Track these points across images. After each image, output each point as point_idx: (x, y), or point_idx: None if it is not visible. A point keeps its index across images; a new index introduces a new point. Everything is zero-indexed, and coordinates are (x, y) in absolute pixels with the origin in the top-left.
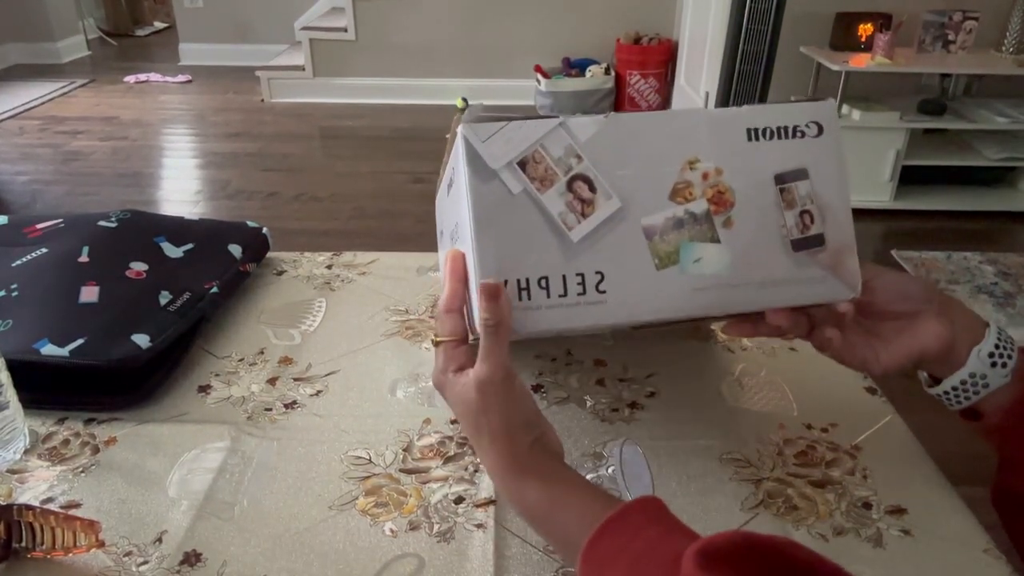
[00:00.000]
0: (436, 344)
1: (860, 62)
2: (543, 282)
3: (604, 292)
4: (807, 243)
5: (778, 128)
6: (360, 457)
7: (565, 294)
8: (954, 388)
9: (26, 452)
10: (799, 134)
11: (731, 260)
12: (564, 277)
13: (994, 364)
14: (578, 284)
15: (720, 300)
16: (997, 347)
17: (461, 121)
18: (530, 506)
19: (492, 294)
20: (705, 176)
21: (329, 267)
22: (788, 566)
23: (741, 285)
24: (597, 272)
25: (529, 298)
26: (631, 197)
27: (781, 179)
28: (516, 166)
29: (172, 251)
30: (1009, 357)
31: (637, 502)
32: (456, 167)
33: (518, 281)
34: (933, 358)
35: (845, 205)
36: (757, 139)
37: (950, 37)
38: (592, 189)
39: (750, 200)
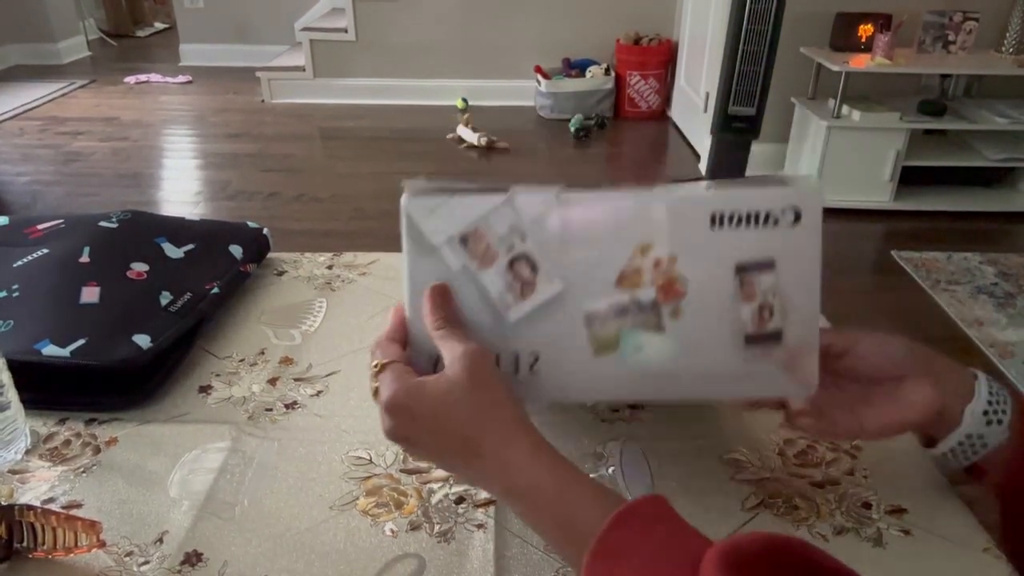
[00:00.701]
0: (381, 369)
1: (860, 62)
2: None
3: (537, 373)
4: (762, 339)
5: (748, 214)
6: (361, 457)
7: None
8: (952, 451)
9: (27, 452)
10: (772, 222)
11: (675, 352)
12: (498, 356)
13: (989, 422)
14: (511, 363)
15: (661, 389)
16: (990, 403)
17: (405, 191)
18: (536, 485)
19: (438, 301)
20: (657, 264)
21: (330, 267)
22: (811, 571)
23: (685, 376)
24: (532, 353)
25: None
26: (575, 281)
27: (743, 269)
28: (457, 242)
29: (173, 252)
30: (1004, 412)
31: (645, 499)
32: (402, 236)
33: None
34: (923, 424)
35: (813, 300)
36: (721, 225)
37: (950, 37)
38: (534, 270)
39: (704, 290)
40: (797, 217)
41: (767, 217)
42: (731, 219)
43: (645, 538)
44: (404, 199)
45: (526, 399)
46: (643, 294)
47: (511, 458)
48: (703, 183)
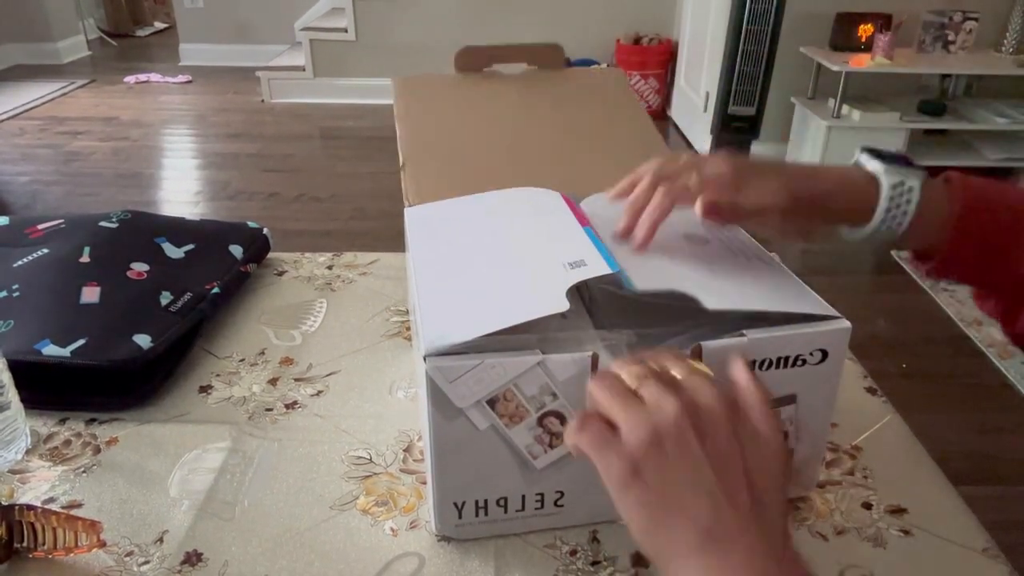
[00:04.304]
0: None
1: (860, 62)
2: (501, 501)
3: (562, 506)
4: None
5: (778, 359)
6: (361, 457)
7: (523, 508)
8: (885, 211)
9: (27, 452)
10: (800, 363)
11: None
12: (523, 497)
13: (899, 182)
14: (537, 501)
15: None
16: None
17: (423, 351)
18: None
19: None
20: None
21: (330, 268)
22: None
23: None
24: (557, 491)
25: (486, 514)
26: None
27: None
28: (485, 404)
29: (173, 252)
30: (907, 163)
31: None
32: (419, 385)
33: (476, 501)
34: (790, 207)
35: (826, 422)
36: (752, 371)
37: (950, 37)
38: (563, 423)
39: None
40: (824, 357)
41: (796, 359)
42: (761, 364)
43: None
44: (427, 362)
45: (550, 528)
46: None
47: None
48: (740, 331)
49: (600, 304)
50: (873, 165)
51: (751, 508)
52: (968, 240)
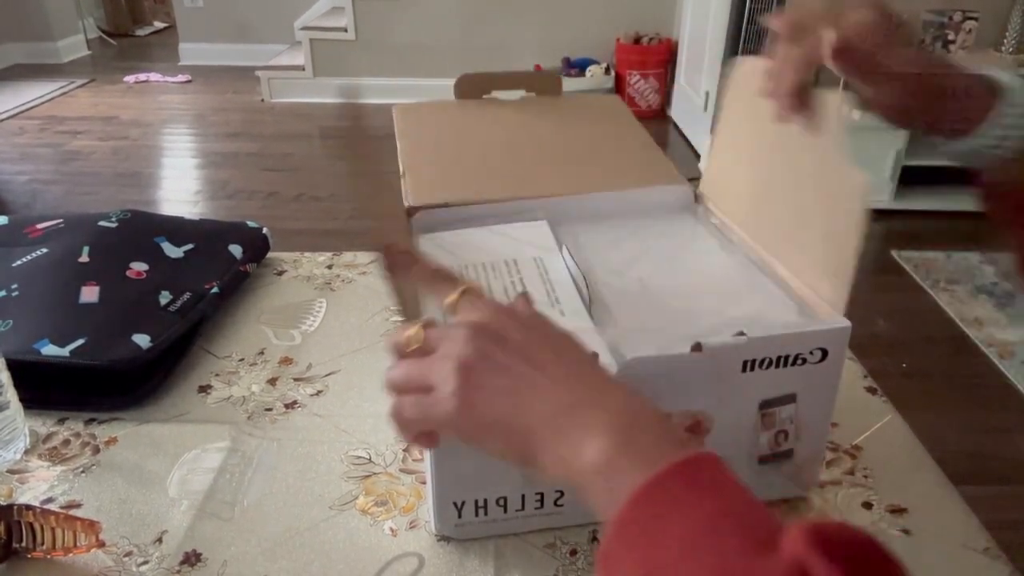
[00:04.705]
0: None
1: None
2: (501, 501)
3: (562, 506)
4: (775, 458)
5: (778, 358)
6: (360, 457)
7: (522, 508)
8: (999, 126)
9: (26, 452)
10: (800, 361)
11: None
12: (523, 496)
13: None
14: (536, 501)
15: None
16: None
17: None
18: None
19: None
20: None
21: (329, 267)
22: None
23: None
24: (557, 491)
25: (486, 514)
26: None
27: (766, 404)
28: None
29: (172, 251)
30: None
31: (696, 457)
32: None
33: (476, 501)
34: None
35: (826, 422)
36: (752, 370)
37: (950, 37)
38: None
39: (727, 424)
40: (824, 356)
41: (796, 358)
42: (762, 363)
43: (693, 506)
44: None
45: (549, 527)
46: None
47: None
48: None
49: (600, 303)
50: (1005, 76)
51: (579, 366)
52: None
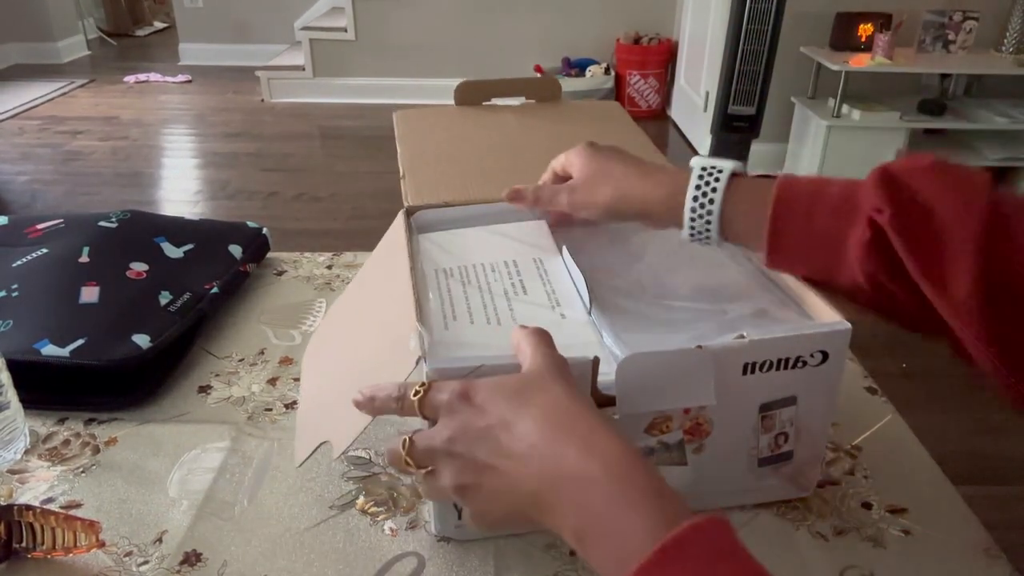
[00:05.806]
0: (423, 394)
1: (860, 62)
2: None
3: None
4: (774, 460)
5: (779, 360)
6: (360, 457)
7: None
8: (692, 198)
9: (26, 452)
10: (800, 364)
11: (693, 479)
12: None
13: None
14: None
15: None
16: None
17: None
18: (614, 462)
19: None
20: (687, 411)
21: (329, 267)
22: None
23: (696, 494)
24: None
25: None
26: None
27: (767, 407)
28: None
29: (172, 251)
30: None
31: (704, 523)
32: None
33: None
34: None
35: (826, 423)
36: (752, 372)
37: (950, 37)
38: None
39: (728, 427)
40: (824, 358)
41: (797, 360)
42: (762, 366)
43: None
44: (426, 366)
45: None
46: (671, 437)
47: (609, 429)
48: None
49: (600, 303)
50: (694, 159)
51: (554, 431)
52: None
